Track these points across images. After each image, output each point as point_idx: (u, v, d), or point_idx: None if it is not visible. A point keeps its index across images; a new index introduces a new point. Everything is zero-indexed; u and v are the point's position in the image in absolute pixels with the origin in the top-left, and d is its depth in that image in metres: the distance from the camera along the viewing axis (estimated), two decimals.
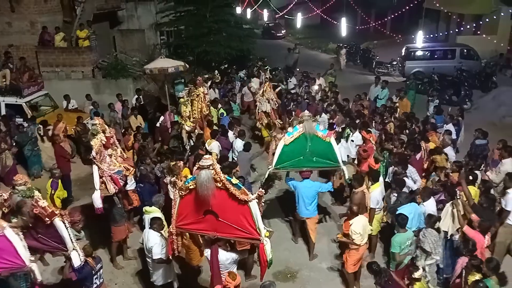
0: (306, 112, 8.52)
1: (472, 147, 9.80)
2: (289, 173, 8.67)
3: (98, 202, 7.07)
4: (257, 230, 5.45)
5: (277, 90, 13.39)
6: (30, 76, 13.58)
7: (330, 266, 7.85)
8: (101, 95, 15.02)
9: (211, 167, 5.38)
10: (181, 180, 7.26)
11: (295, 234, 8.53)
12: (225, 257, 5.86)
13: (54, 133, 10.82)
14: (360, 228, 6.70)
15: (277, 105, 12.69)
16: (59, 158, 10.16)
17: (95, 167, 7.01)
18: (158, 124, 11.79)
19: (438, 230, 6.66)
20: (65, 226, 5.48)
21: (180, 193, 5.72)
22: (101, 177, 7.12)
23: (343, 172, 8.10)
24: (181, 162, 8.56)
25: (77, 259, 5.54)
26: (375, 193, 7.51)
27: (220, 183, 5.42)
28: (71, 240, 5.54)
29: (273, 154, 8.06)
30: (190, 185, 5.57)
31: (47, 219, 5.37)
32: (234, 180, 5.53)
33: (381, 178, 7.95)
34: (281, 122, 12.43)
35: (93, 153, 7.02)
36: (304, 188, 7.71)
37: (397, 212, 6.98)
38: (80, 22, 16.56)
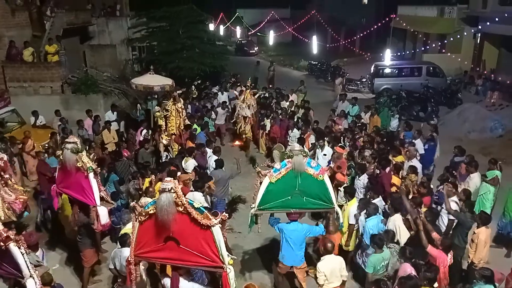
0: (296, 146, 6.96)
1: (451, 164, 9.64)
2: (274, 213, 7.24)
3: (105, 218, 6.70)
4: (220, 257, 5.08)
5: (256, 96, 14.32)
6: None
7: None
8: (71, 111, 14.68)
9: (172, 190, 5.01)
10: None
11: None
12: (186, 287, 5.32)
13: (24, 151, 10.43)
14: (327, 269, 6.17)
15: (255, 111, 13.74)
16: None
17: (94, 181, 6.59)
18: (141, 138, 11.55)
19: None
20: (21, 252, 5.13)
21: (140, 219, 5.30)
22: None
23: (337, 215, 6.86)
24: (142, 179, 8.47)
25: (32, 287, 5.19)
26: (352, 209, 7.48)
27: (181, 207, 5.03)
28: (27, 267, 5.16)
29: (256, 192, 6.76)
30: (150, 210, 5.17)
31: (1, 243, 5.00)
32: (197, 204, 5.12)
33: None
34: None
35: (90, 166, 6.57)
36: (291, 231, 6.63)
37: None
38: (49, 37, 16.25)
